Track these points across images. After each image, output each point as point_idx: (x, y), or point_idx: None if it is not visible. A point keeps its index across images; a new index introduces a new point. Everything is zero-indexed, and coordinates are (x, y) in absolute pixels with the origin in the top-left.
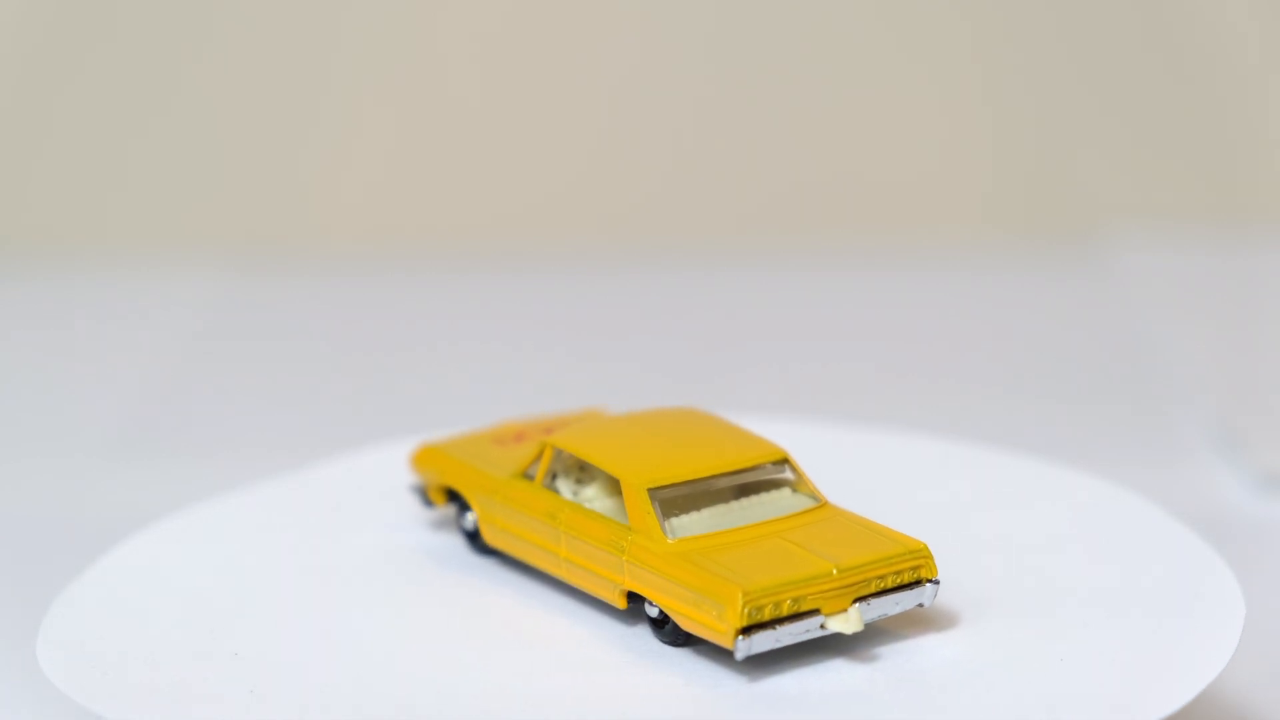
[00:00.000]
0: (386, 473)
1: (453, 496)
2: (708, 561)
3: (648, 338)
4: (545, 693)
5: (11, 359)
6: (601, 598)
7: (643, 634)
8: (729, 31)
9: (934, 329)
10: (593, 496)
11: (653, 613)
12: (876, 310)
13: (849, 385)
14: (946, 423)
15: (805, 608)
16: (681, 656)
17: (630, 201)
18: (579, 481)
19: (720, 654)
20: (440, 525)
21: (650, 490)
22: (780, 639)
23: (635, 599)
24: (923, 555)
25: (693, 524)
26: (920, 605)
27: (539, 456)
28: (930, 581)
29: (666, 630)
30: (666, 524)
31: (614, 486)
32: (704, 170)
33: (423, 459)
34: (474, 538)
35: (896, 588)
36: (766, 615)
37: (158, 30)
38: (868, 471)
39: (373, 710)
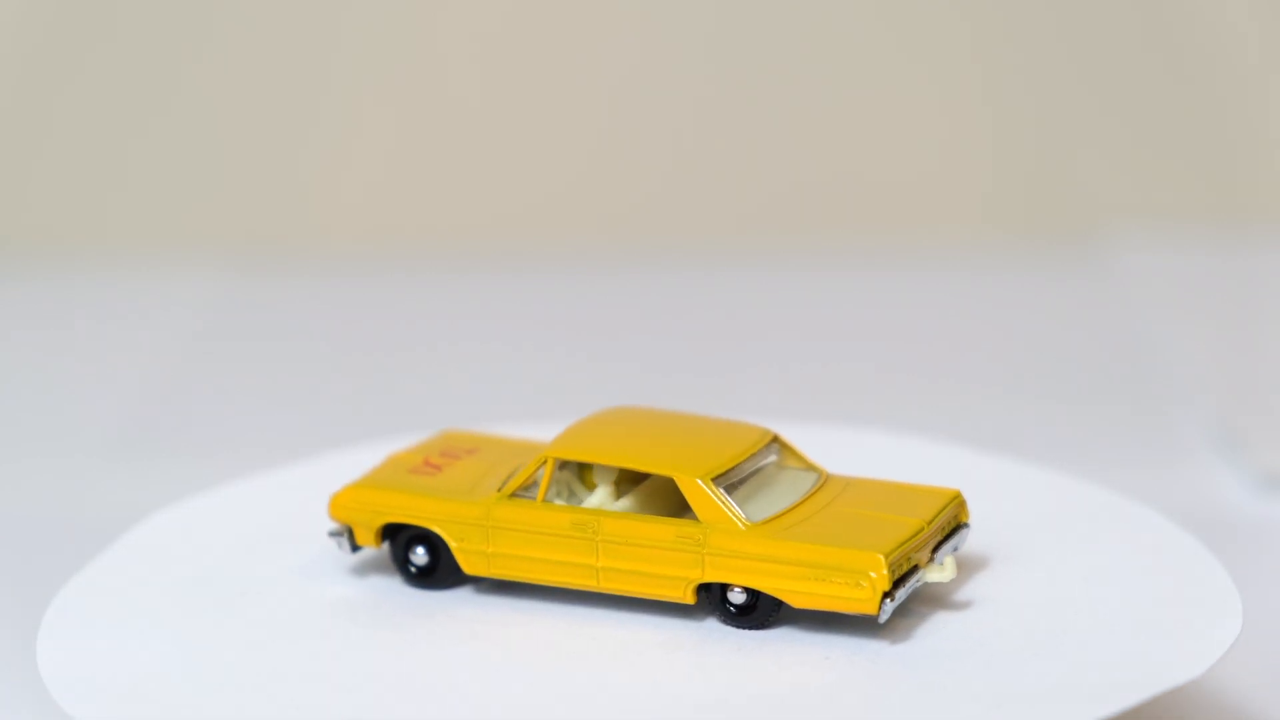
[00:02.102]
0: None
1: (388, 534)
2: (816, 536)
3: (648, 338)
4: (699, 698)
5: (11, 359)
6: (662, 598)
7: (710, 625)
8: (729, 31)
9: (934, 329)
10: (602, 502)
11: (739, 599)
12: (876, 310)
13: (849, 385)
14: (946, 423)
15: (912, 565)
16: (788, 636)
17: (630, 201)
18: (559, 494)
19: (819, 625)
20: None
21: (714, 479)
22: (900, 597)
23: (701, 592)
24: (961, 501)
25: (744, 507)
26: (956, 549)
27: (535, 473)
28: (965, 526)
29: (754, 615)
30: (738, 510)
31: (623, 489)
32: (704, 170)
33: (351, 501)
34: (427, 573)
35: (948, 535)
36: (896, 576)
37: (158, 30)
38: (867, 472)
39: None
